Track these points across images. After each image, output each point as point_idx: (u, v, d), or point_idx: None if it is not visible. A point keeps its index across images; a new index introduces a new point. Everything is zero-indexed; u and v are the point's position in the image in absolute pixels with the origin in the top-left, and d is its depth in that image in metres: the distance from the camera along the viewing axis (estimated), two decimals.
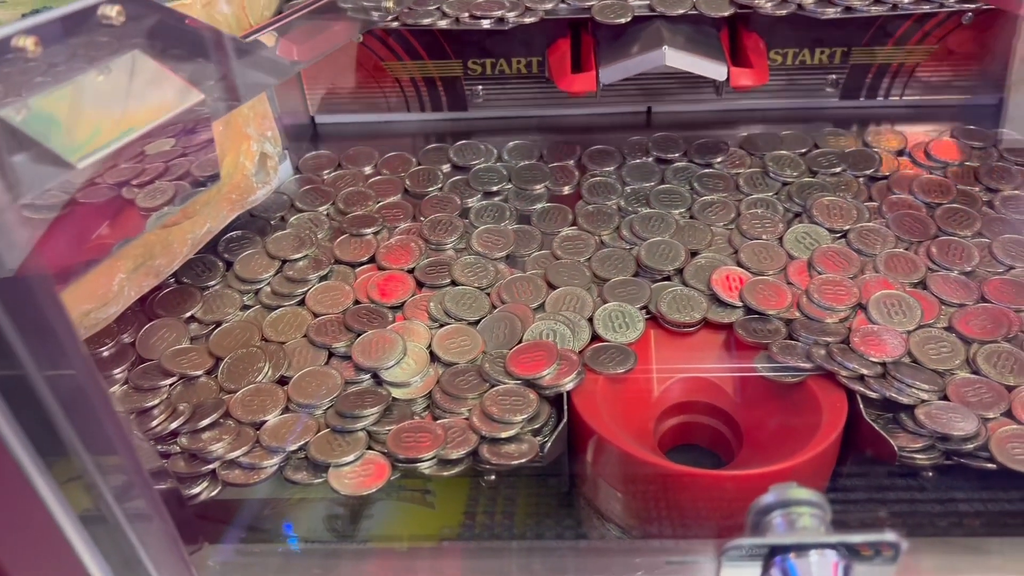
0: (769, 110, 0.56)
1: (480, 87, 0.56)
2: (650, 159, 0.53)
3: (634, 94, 0.56)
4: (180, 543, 0.26)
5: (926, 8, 0.49)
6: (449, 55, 0.54)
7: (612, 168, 0.53)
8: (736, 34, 0.52)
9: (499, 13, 0.50)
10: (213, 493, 0.36)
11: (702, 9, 0.49)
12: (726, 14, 0.49)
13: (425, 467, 0.36)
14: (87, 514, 0.24)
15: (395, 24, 0.50)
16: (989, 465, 0.35)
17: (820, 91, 0.55)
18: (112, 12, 0.28)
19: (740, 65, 0.50)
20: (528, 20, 0.50)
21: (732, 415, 0.41)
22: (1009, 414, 0.37)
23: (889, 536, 0.24)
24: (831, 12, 0.49)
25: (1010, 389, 0.38)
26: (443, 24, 0.50)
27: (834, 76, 0.54)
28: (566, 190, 0.52)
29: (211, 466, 0.37)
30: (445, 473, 0.36)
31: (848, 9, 0.49)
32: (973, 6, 0.49)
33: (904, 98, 0.55)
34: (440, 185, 0.52)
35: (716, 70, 0.49)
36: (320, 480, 0.36)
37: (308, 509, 0.36)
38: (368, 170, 0.54)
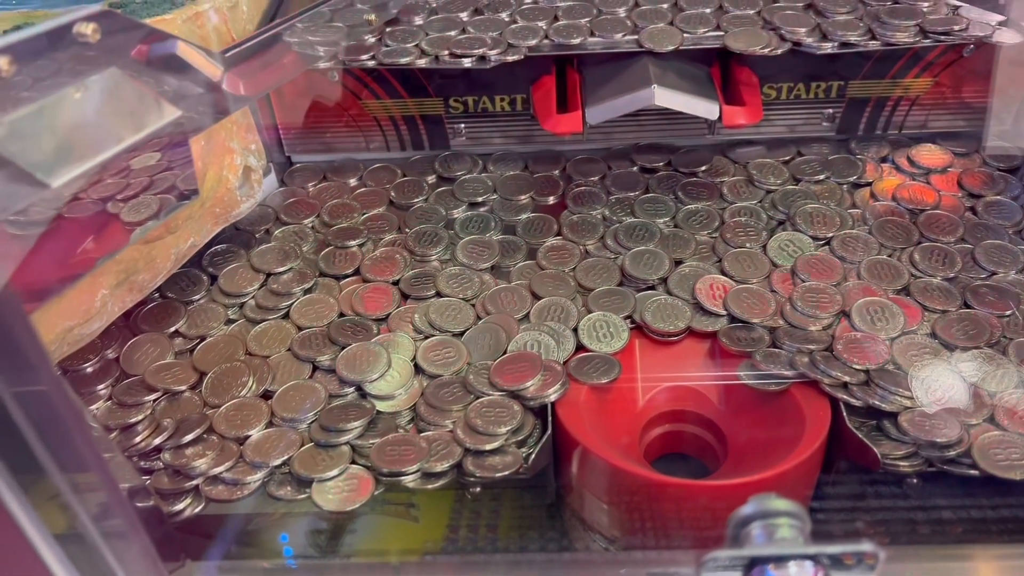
0: (758, 143, 0.54)
1: (463, 125, 0.54)
2: (634, 168, 0.54)
3: (622, 132, 0.55)
4: (159, 561, 0.26)
5: (926, 43, 0.48)
6: (430, 93, 0.53)
7: (597, 178, 0.53)
8: (728, 69, 0.51)
9: (481, 51, 0.48)
10: (197, 509, 0.36)
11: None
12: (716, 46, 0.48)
13: (409, 480, 0.36)
14: (63, 533, 0.24)
15: (372, 64, 0.48)
16: (972, 472, 0.35)
17: (816, 125, 0.54)
18: (88, 30, 0.28)
19: (733, 102, 0.49)
20: (511, 58, 0.48)
21: (717, 424, 0.41)
22: (991, 420, 0.37)
23: (867, 546, 0.24)
24: (828, 47, 0.48)
25: (993, 395, 0.38)
26: (422, 63, 0.48)
27: (830, 110, 0.53)
28: (551, 200, 0.52)
29: (194, 482, 0.37)
30: (429, 486, 0.36)
31: (845, 44, 0.47)
32: (974, 39, 0.48)
33: (903, 132, 0.54)
34: (425, 196, 0.52)
35: (708, 109, 0.47)
36: (304, 496, 0.36)
37: (291, 525, 0.36)
38: (353, 182, 0.54)
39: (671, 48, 0.48)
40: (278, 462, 0.37)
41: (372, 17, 0.48)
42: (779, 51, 0.47)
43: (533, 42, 0.49)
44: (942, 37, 0.48)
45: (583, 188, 0.52)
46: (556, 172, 0.54)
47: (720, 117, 0.47)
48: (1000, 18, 0.48)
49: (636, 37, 0.49)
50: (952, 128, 0.54)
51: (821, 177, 0.51)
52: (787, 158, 0.53)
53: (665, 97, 0.46)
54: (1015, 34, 0.47)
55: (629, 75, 0.48)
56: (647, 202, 0.51)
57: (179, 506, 0.36)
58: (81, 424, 0.22)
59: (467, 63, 0.48)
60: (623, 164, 0.54)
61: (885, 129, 0.54)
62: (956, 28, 0.47)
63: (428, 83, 0.53)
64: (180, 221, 0.42)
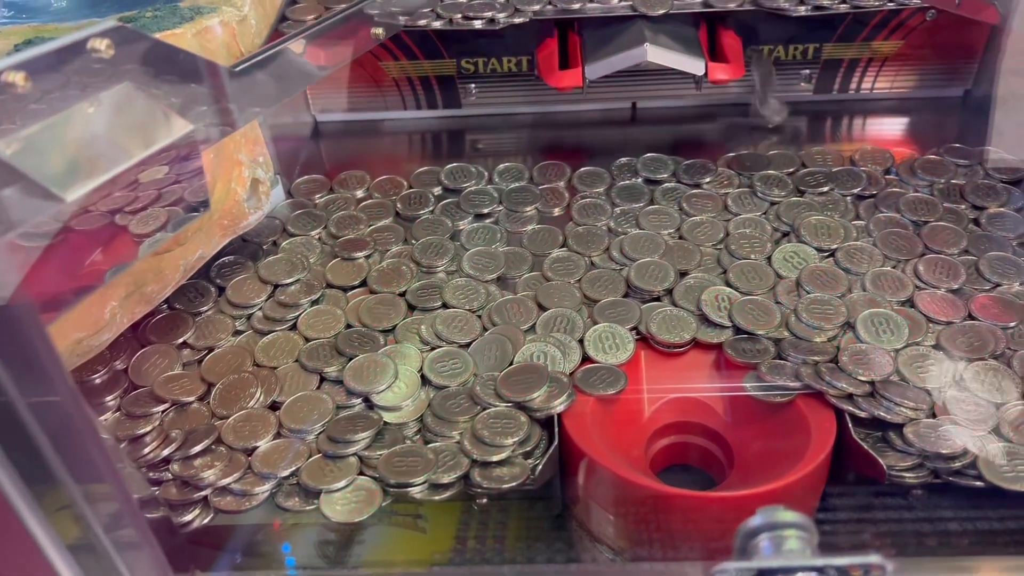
0: (747, 104, 0.58)
1: (473, 85, 0.59)
2: (639, 180, 0.54)
3: (619, 90, 0.59)
4: (169, 572, 0.26)
5: (891, 6, 0.52)
6: (443, 55, 0.57)
7: (602, 189, 0.53)
8: (714, 32, 0.55)
9: (490, 14, 0.52)
10: (205, 520, 0.36)
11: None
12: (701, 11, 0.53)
13: (416, 492, 0.36)
14: (75, 543, 0.25)
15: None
16: (977, 483, 0.35)
17: (795, 85, 0.58)
18: (102, 46, 0.29)
19: (718, 61, 0.53)
20: (517, 20, 0.53)
21: (723, 435, 0.41)
22: (997, 431, 0.37)
23: (874, 557, 0.24)
24: (802, 10, 0.52)
25: (998, 406, 0.38)
26: (437, 25, 0.53)
27: (807, 71, 0.57)
28: (556, 212, 0.52)
29: (203, 493, 0.37)
30: (436, 497, 0.36)
31: (818, 8, 0.52)
32: (936, 4, 0.51)
33: (874, 91, 0.58)
34: (431, 208, 0.53)
35: (695, 65, 0.52)
36: (312, 507, 0.36)
37: (299, 535, 0.36)
38: (360, 194, 0.55)
39: (661, 12, 0.53)
40: (286, 473, 0.37)
41: (379, 31, 0.49)
42: (745, 7, 0.52)
43: (537, 7, 0.53)
44: (906, 1, 0.51)
45: (588, 200, 0.53)
46: (561, 184, 0.54)
47: (706, 73, 0.52)
48: None
49: (630, 3, 0.53)
50: (920, 91, 0.58)
51: (825, 189, 0.52)
52: (791, 170, 0.53)
53: (657, 54, 0.51)
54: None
55: (625, 36, 0.53)
56: (652, 214, 0.51)
57: (188, 517, 0.36)
58: (95, 435, 0.22)
59: (478, 24, 0.53)
60: (628, 176, 0.54)
61: (858, 89, 0.58)
62: None
63: (442, 46, 0.57)
64: (189, 233, 0.43)
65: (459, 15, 0.53)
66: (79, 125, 0.28)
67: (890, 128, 0.57)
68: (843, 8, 0.52)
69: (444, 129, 0.59)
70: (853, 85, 0.57)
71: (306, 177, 0.56)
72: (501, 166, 0.56)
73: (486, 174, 0.55)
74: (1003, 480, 0.35)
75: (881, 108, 0.58)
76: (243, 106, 0.40)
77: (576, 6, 0.53)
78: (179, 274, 0.44)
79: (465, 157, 0.57)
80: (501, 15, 0.53)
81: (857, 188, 0.52)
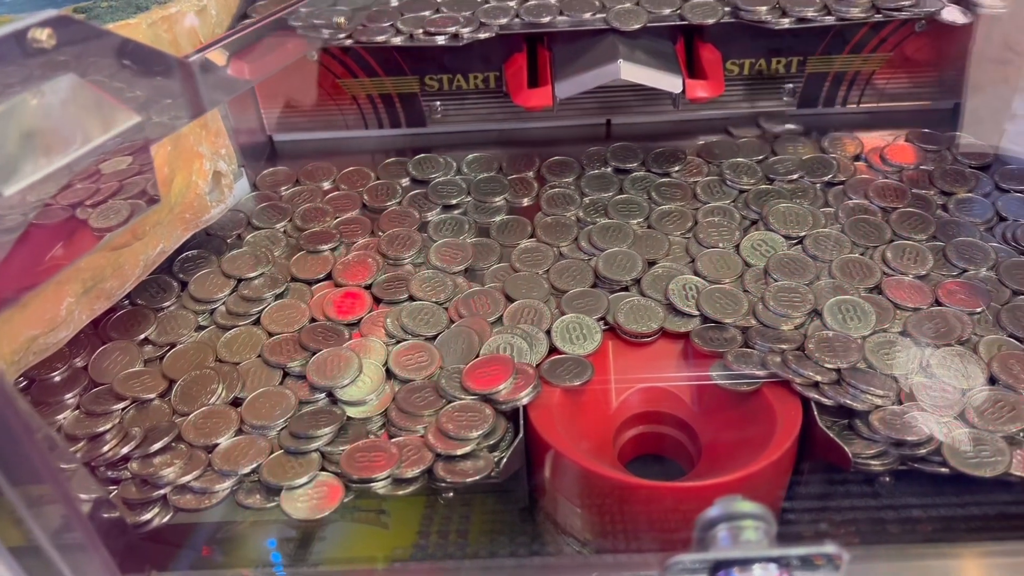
0: (728, 119, 0.56)
1: (438, 103, 0.55)
2: (608, 169, 0.53)
3: (592, 107, 0.56)
4: (117, 573, 0.26)
5: (878, 18, 0.49)
6: (405, 71, 0.54)
7: (571, 179, 0.53)
8: (692, 46, 0.52)
9: (454, 29, 0.49)
10: (164, 519, 0.36)
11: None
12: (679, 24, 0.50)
13: (379, 487, 0.36)
14: (19, 546, 0.24)
15: (349, 42, 0.49)
16: (942, 470, 0.35)
17: (778, 100, 0.55)
18: (43, 36, 0.28)
19: (696, 77, 0.50)
20: (483, 36, 0.49)
21: (690, 424, 0.41)
22: (962, 417, 0.37)
23: (830, 547, 0.24)
24: (785, 23, 0.49)
25: (964, 392, 0.38)
26: (397, 41, 0.49)
27: (791, 85, 0.54)
28: (525, 202, 0.52)
29: (162, 491, 0.36)
30: (400, 492, 0.36)
31: (801, 20, 0.49)
32: (924, 15, 0.49)
33: (861, 105, 0.55)
34: (399, 199, 0.52)
35: (671, 83, 0.49)
36: (273, 504, 0.35)
37: (261, 532, 0.35)
38: (326, 186, 0.54)
39: (636, 26, 0.49)
40: (247, 470, 0.37)
41: (341, 20, 0.48)
42: (725, 20, 0.49)
43: (504, 20, 0.50)
44: (893, 13, 0.49)
45: (557, 190, 0.52)
46: (530, 174, 0.54)
47: (683, 91, 0.49)
48: None
49: (603, 16, 0.50)
50: (908, 104, 0.55)
51: (794, 176, 0.51)
52: (760, 158, 0.53)
53: (631, 71, 0.48)
54: (959, 13, 0.49)
55: (597, 51, 0.50)
56: (620, 203, 0.50)
57: (146, 516, 0.35)
58: (31, 435, 0.22)
59: (440, 41, 0.50)
60: (597, 165, 0.54)
61: (844, 103, 0.55)
62: (907, 4, 0.48)
63: (404, 62, 0.54)
64: (148, 228, 0.42)
65: (421, 30, 0.49)
66: (21, 117, 0.28)
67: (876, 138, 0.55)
68: (828, 20, 0.49)
69: (408, 148, 0.56)
70: (839, 99, 0.55)
71: (271, 169, 0.55)
72: (470, 156, 0.55)
73: (455, 164, 0.54)
74: (967, 466, 0.35)
75: (869, 121, 0.56)
76: (200, 96, 0.39)
77: (546, 20, 0.50)
78: (139, 269, 0.44)
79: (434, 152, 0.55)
80: (465, 30, 0.49)
81: (827, 175, 0.51)
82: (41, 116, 0.28)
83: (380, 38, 0.49)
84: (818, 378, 0.38)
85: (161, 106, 0.35)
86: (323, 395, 0.40)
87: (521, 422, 0.38)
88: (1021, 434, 0.36)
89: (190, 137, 0.45)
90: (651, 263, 0.46)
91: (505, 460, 0.36)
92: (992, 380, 0.39)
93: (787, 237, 0.47)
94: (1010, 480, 0.35)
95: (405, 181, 0.54)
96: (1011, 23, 0.48)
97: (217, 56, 0.40)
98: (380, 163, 0.55)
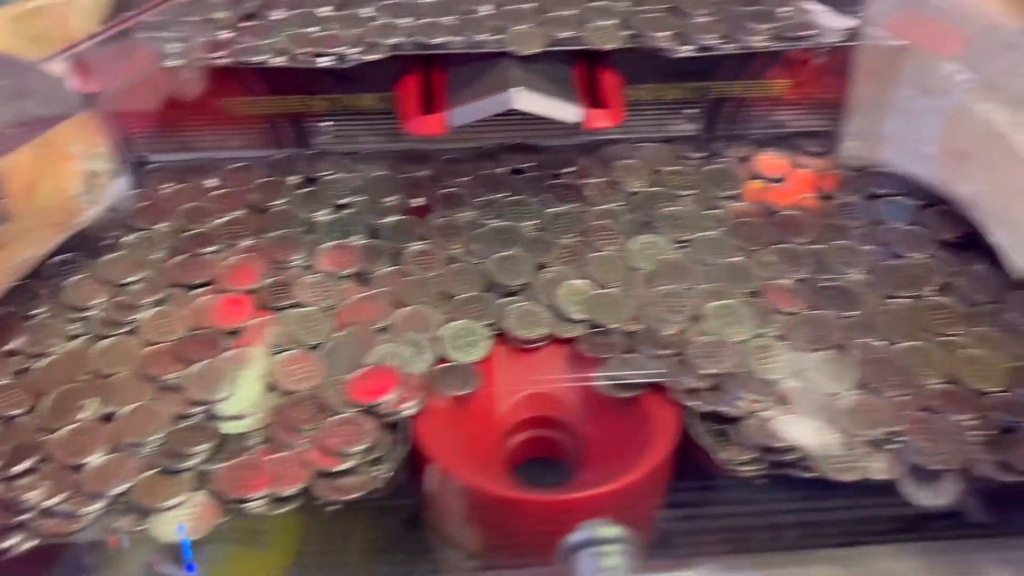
0: (629, 143, 0.54)
1: (328, 123, 0.53)
2: (503, 170, 0.53)
3: (490, 131, 0.54)
4: None
5: (779, 47, 0.49)
6: (291, 91, 0.51)
7: (465, 179, 0.52)
8: (592, 71, 0.51)
9: (339, 50, 0.47)
10: (27, 546, 0.34)
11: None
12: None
13: (256, 506, 0.35)
14: None
15: (225, 61, 0.46)
16: (809, 474, 0.36)
17: (679, 125, 0.55)
18: None
19: (595, 104, 0.48)
20: (371, 58, 0.47)
21: (576, 429, 0.42)
22: (832, 422, 0.38)
23: (690, 573, 0.25)
24: (685, 51, 0.48)
25: (834, 397, 0.39)
26: (278, 62, 0.47)
27: (693, 110, 0.54)
28: (419, 202, 0.51)
29: (26, 516, 0.35)
30: (277, 511, 0.35)
31: (703, 48, 0.48)
32: (826, 45, 0.50)
33: (765, 130, 0.55)
34: (287, 199, 0.51)
35: (569, 112, 0.47)
36: (144, 527, 0.34)
37: (131, 558, 0.34)
38: (212, 183, 0.52)
39: (534, 51, 0.48)
40: (118, 491, 0.35)
41: (224, 15, 0.46)
42: (626, 45, 0.48)
43: (394, 40, 0.48)
44: (794, 43, 0.49)
45: (451, 190, 0.51)
46: (424, 173, 0.53)
47: (582, 120, 0.47)
48: (851, 23, 0.50)
49: (500, 38, 0.48)
50: (809, 127, 0.55)
51: (683, 180, 0.52)
52: (653, 159, 0.53)
53: (525, 100, 0.46)
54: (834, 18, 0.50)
55: (492, 77, 0.48)
56: (514, 205, 0.50)
57: (7, 543, 0.34)
58: None
59: (325, 62, 0.47)
60: (492, 165, 0.53)
61: (746, 128, 0.55)
62: (808, 33, 0.49)
63: (289, 80, 0.50)
64: (10, 237, 0.40)
65: (303, 51, 0.47)
66: None
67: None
68: (729, 49, 0.48)
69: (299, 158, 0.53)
70: (742, 123, 0.54)
71: (155, 165, 0.53)
72: (362, 153, 0.54)
73: (347, 162, 0.53)
74: (834, 471, 0.36)
75: (772, 145, 0.54)
76: (67, 94, 0.37)
77: (438, 41, 0.48)
78: (4, 277, 0.41)
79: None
80: (352, 51, 0.47)
81: (716, 179, 0.52)
82: None
83: (257, 59, 0.46)
84: (696, 384, 0.39)
85: (15, 108, 0.34)
86: (201, 410, 0.39)
87: (406, 434, 0.38)
88: (885, 438, 0.38)
89: (59, 138, 0.43)
90: (541, 267, 0.46)
91: (388, 475, 0.36)
92: (862, 384, 0.40)
93: (674, 240, 0.47)
94: (874, 484, 0.36)
95: (295, 179, 0.52)
96: (887, 50, 0.49)
97: (70, 64, 0.38)
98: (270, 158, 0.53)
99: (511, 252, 0.47)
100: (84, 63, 0.43)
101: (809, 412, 0.39)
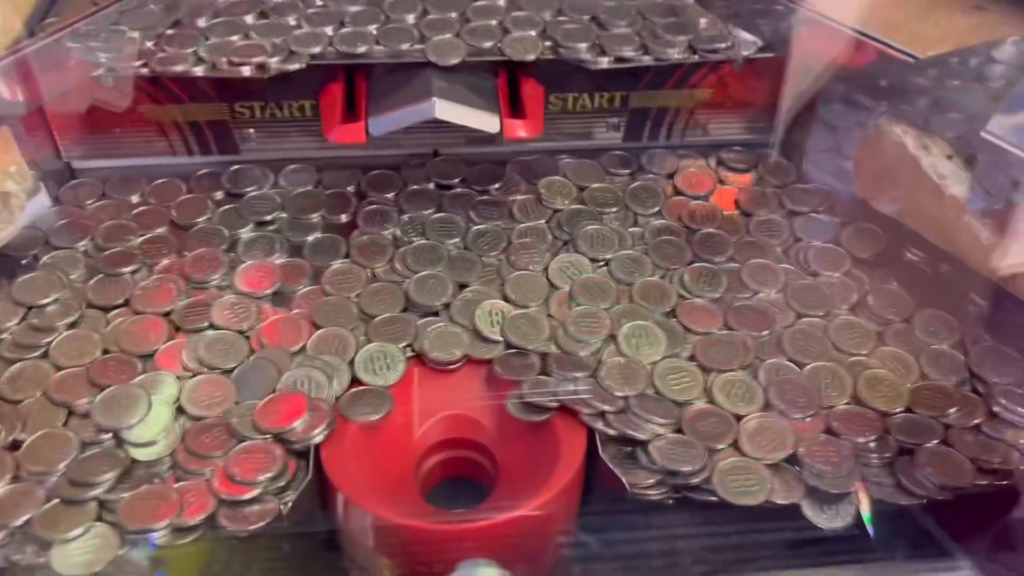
0: (554, 152, 0.55)
1: (252, 130, 0.52)
2: (430, 185, 0.53)
3: (415, 139, 0.54)
4: None
5: (695, 59, 0.50)
6: (212, 98, 0.50)
7: (391, 195, 0.52)
8: (515, 81, 0.51)
9: (260, 59, 0.47)
10: None
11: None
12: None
13: (159, 537, 0.35)
14: None
15: (145, 71, 0.46)
16: (712, 498, 0.37)
17: (602, 134, 0.55)
18: None
19: (516, 114, 0.49)
20: (292, 67, 0.47)
21: (490, 450, 0.42)
22: (735, 445, 0.39)
23: None
24: (604, 62, 0.49)
25: (739, 419, 0.40)
26: (198, 71, 0.47)
27: (615, 119, 0.54)
28: (343, 218, 0.51)
29: None
30: (179, 542, 0.35)
31: (620, 59, 0.49)
32: (739, 57, 0.50)
33: (685, 139, 0.56)
34: (209, 215, 0.50)
35: (488, 122, 0.47)
36: (45, 559, 0.34)
37: None
38: (135, 199, 0.51)
39: (455, 61, 0.48)
40: (19, 522, 0.35)
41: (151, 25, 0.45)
42: (546, 56, 0.49)
43: (317, 49, 0.48)
44: (709, 55, 0.50)
45: (376, 206, 0.51)
46: (350, 188, 0.53)
47: (500, 131, 0.48)
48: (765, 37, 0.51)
49: (422, 47, 0.49)
50: (729, 136, 0.56)
51: (608, 197, 0.52)
52: (580, 175, 0.53)
53: (446, 110, 0.46)
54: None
55: (413, 86, 0.48)
56: (439, 222, 0.50)
57: None
58: None
59: (246, 72, 0.47)
60: (419, 180, 0.53)
61: (668, 138, 0.56)
62: (722, 46, 0.50)
63: (210, 88, 0.50)
64: None
65: (224, 59, 0.47)
66: None
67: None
68: (646, 61, 0.49)
69: (223, 173, 0.53)
70: (663, 133, 0.55)
71: (77, 181, 0.52)
72: (288, 168, 0.53)
73: (272, 177, 0.53)
74: (733, 495, 0.37)
75: (694, 155, 0.56)
76: None
77: (361, 50, 0.48)
78: None
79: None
80: (273, 60, 0.47)
81: (640, 196, 0.52)
82: None
83: (178, 68, 0.46)
84: (604, 407, 0.40)
85: None
86: (109, 436, 0.39)
87: (311, 462, 0.38)
88: (784, 462, 0.38)
89: None
90: (462, 286, 0.46)
91: (293, 504, 0.36)
92: (768, 406, 0.41)
93: (593, 260, 0.48)
94: (774, 507, 0.37)
95: (218, 195, 0.52)
96: (809, 65, 0.50)
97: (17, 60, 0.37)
98: (192, 176, 0.53)
99: (432, 271, 0.47)
100: (9, 73, 0.43)
101: (711, 435, 0.39)
